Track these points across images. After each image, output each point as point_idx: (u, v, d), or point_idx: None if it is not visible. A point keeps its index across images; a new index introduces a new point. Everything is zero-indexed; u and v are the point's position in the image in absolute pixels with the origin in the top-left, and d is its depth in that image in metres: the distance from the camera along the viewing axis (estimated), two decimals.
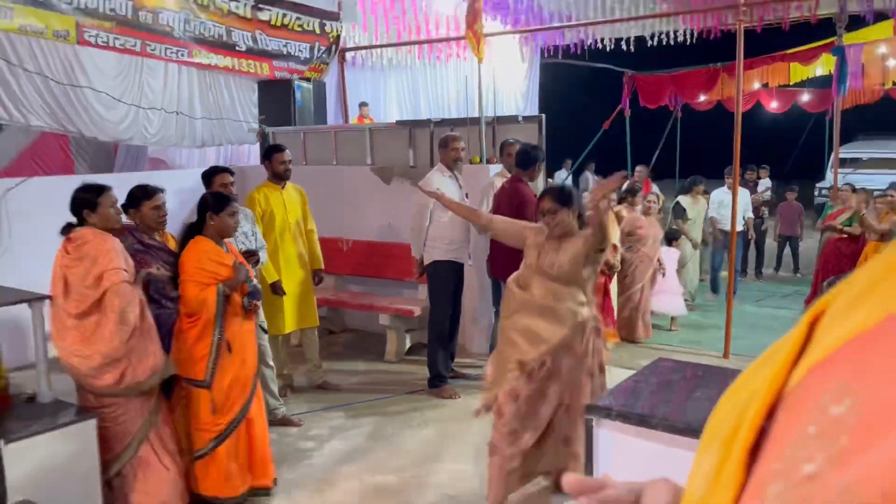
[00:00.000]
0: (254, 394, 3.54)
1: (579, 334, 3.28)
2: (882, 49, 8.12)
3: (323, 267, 4.97)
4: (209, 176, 4.16)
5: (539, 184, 4.89)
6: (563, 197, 3.37)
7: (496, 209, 4.63)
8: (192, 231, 3.50)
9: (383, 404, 4.73)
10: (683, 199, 7.41)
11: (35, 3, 5.32)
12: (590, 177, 11.37)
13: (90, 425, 3.59)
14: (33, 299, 3.81)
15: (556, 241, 3.35)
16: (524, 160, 4.64)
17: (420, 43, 9.24)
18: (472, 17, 5.52)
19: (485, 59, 5.77)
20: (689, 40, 9.73)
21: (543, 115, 5.65)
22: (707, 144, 10.13)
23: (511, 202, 4.56)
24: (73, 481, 3.49)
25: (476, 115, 5.73)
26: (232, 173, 4.18)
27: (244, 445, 3.56)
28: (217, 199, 3.60)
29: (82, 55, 5.64)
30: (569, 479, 0.60)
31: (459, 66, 9.69)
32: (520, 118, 6.10)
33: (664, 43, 9.68)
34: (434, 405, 4.71)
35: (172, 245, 3.75)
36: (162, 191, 3.77)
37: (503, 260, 4.55)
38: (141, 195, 3.62)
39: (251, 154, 7.01)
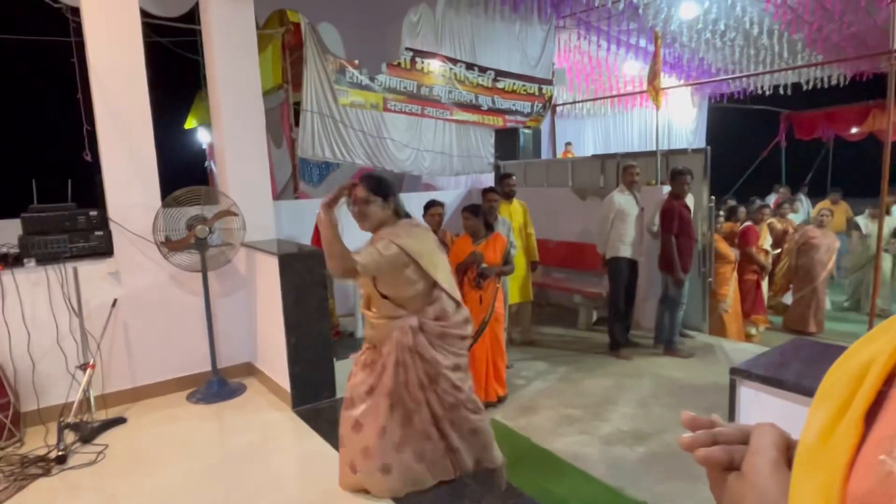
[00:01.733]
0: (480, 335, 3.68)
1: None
2: None
3: (538, 259, 5.08)
4: (427, 207, 4.20)
5: (689, 198, 4.75)
6: (374, 185, 2.42)
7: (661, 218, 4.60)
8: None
9: (574, 359, 4.76)
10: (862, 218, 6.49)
11: (360, 87, 6.06)
12: (803, 198, 9.65)
13: None
14: None
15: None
16: (671, 175, 4.56)
17: (611, 97, 9.07)
18: (653, 75, 5.31)
19: (661, 107, 5.51)
20: (841, 83, 8.42)
21: (709, 147, 5.28)
22: (857, 169, 8.78)
23: (663, 214, 4.68)
24: None
25: (653, 148, 5.48)
26: (441, 205, 4.22)
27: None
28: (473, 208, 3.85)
29: (386, 118, 6.29)
30: (684, 415, 0.52)
31: (641, 113, 9.27)
32: (689, 150, 5.74)
33: (818, 86, 8.46)
34: (612, 363, 4.67)
35: (448, 239, 4.12)
36: (439, 205, 4.15)
37: (665, 258, 4.49)
38: (428, 206, 4.06)
39: (488, 180, 7.33)
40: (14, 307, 3.42)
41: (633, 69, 8.94)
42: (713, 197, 5.22)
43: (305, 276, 3.56)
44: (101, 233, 3.72)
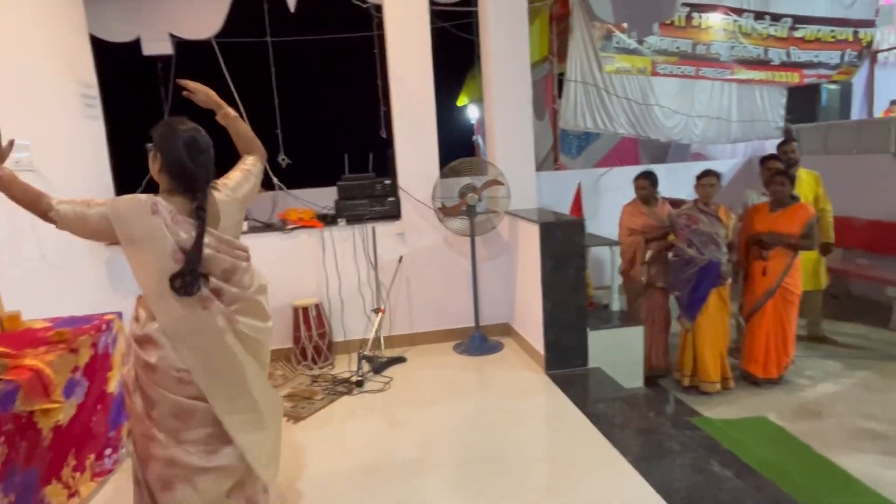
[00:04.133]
0: None
1: None
2: None
3: (832, 241, 4.29)
4: (699, 177, 3.96)
5: None
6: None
7: None
8: None
9: (881, 364, 3.94)
10: None
11: (627, 51, 5.82)
12: None
13: (637, 331, 3.86)
14: (610, 243, 4.23)
15: None
16: None
17: None
18: None
19: None
20: None
21: None
22: None
23: None
24: (622, 362, 3.79)
25: None
26: (715, 174, 3.92)
27: None
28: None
29: (654, 83, 5.95)
30: None
31: None
32: None
33: None
34: None
35: (722, 213, 3.83)
36: (713, 174, 3.89)
37: None
38: (700, 176, 3.86)
39: (770, 147, 6.39)
40: (330, 257, 4.28)
41: None
42: None
43: (565, 244, 3.64)
44: (392, 199, 4.38)
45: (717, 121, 6.32)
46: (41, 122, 3.26)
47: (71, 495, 2.42)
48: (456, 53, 8.16)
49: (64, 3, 3.69)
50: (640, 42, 5.90)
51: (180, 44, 5.36)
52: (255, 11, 5.76)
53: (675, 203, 4.35)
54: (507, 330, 4.55)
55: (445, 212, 4.17)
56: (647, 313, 4.21)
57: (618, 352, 3.80)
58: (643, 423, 3.10)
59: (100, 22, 4.52)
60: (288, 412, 3.38)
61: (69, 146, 3.49)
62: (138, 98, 5.48)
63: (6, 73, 3.02)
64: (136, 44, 5.10)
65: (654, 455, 2.70)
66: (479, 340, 4.28)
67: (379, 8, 4.68)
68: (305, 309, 4.07)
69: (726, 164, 6.50)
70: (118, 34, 4.91)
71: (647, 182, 4.21)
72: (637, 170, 4.65)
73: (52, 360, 2.28)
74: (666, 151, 7.56)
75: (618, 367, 3.70)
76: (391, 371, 3.98)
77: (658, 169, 4.73)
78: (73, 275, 3.53)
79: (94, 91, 3.97)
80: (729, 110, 6.35)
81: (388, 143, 5.05)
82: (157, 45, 5.20)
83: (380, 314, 4.24)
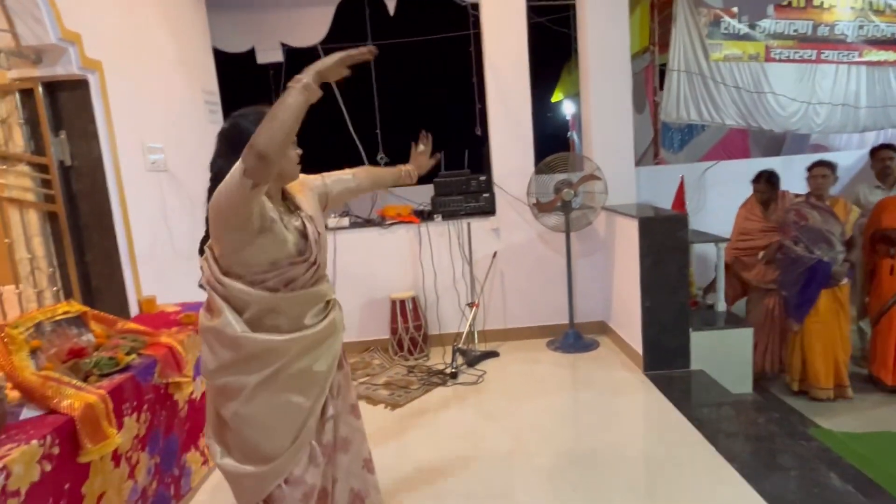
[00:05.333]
0: None
1: None
2: None
3: None
4: (810, 167, 3.89)
5: None
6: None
7: None
8: None
9: None
10: None
11: (737, 37, 5.49)
12: None
13: (746, 333, 3.67)
14: (716, 241, 4.05)
15: None
16: None
17: None
18: None
19: None
20: None
21: None
22: None
23: None
24: (731, 362, 3.63)
25: None
26: (829, 165, 3.82)
27: None
28: None
29: (768, 69, 5.54)
30: None
31: None
32: None
33: None
34: None
35: (840, 208, 3.58)
36: (825, 165, 3.63)
37: None
38: (811, 167, 3.65)
39: None
40: (426, 252, 4.39)
41: None
42: None
43: (665, 240, 3.51)
44: (487, 195, 4.42)
45: (842, 108, 5.76)
46: (174, 128, 3.62)
47: (203, 463, 2.69)
48: (551, 49, 8.07)
49: (193, 21, 4.07)
50: (752, 26, 5.51)
51: (290, 51, 5.73)
52: (357, 17, 6.04)
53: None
54: (602, 328, 4.44)
55: (540, 207, 4.14)
56: (760, 315, 4.00)
57: (724, 354, 3.61)
58: (753, 430, 2.92)
59: (220, 35, 4.94)
60: (385, 400, 3.53)
61: (196, 149, 3.85)
62: (252, 103, 5.94)
63: (150, 84, 3.39)
64: (250, 53, 5.52)
65: (765, 465, 2.54)
66: (573, 337, 4.22)
67: (476, 6, 4.74)
68: (402, 301, 4.22)
69: (853, 155, 5.93)
70: (236, 45, 5.35)
71: (766, 186, 4.00)
72: (748, 163, 4.39)
73: (182, 340, 2.54)
74: (781, 143, 7.03)
75: (723, 371, 3.52)
76: (484, 365, 4.02)
77: (773, 162, 4.43)
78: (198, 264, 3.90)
79: (216, 98, 4.35)
80: (857, 96, 5.77)
81: (482, 141, 5.10)
82: (269, 54, 5.60)
83: (474, 308, 4.30)
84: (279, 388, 1.59)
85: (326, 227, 2.13)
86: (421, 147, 2.18)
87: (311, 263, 1.62)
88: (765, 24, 5.51)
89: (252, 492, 1.64)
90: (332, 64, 1.38)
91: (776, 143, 7.08)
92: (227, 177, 1.41)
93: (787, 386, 3.93)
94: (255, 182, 1.38)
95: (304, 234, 1.64)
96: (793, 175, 5.07)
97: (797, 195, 4.07)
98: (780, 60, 5.59)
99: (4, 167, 2.65)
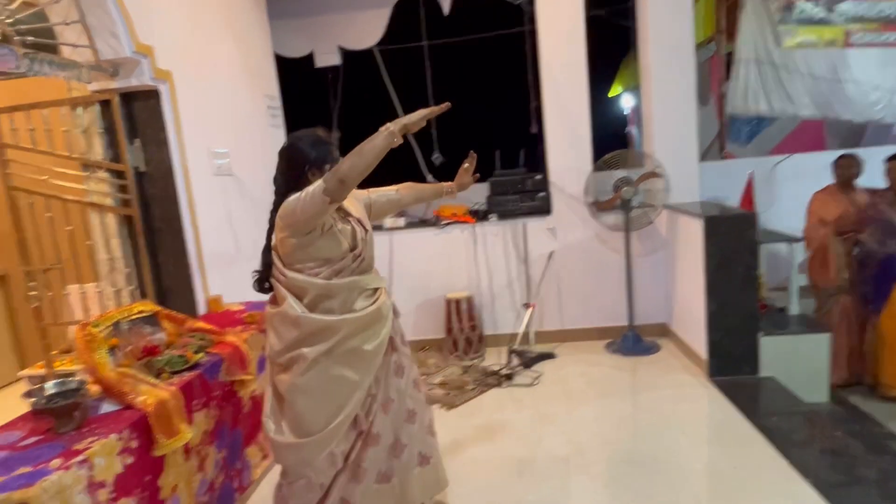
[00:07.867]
0: None
1: None
2: None
3: None
4: (889, 159, 3.78)
5: None
6: None
7: None
8: None
9: None
10: None
11: (812, 23, 5.16)
12: None
13: (822, 338, 3.49)
14: (789, 240, 3.87)
15: None
16: None
17: None
18: None
19: None
20: None
21: None
22: None
23: None
24: (805, 369, 3.45)
25: None
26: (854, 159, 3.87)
27: None
28: None
29: (847, 55, 5.19)
30: None
31: None
32: None
33: None
34: None
35: None
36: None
37: None
38: (890, 158, 3.45)
39: None
40: (481, 252, 4.39)
41: None
42: None
43: (732, 240, 3.35)
44: (542, 194, 4.36)
45: None
46: (238, 133, 3.77)
47: (263, 457, 2.79)
48: (609, 42, 7.86)
49: (255, 29, 4.22)
50: (830, 10, 5.18)
51: (347, 54, 5.85)
52: (412, 18, 6.09)
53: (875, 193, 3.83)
54: (663, 331, 4.30)
55: (599, 206, 4.05)
56: (838, 318, 3.78)
57: (797, 361, 3.42)
58: (829, 442, 2.76)
59: (281, 41, 5.10)
60: (441, 399, 3.55)
61: (259, 152, 4.00)
62: (311, 106, 6.10)
63: (216, 91, 3.54)
64: (309, 58, 5.66)
65: (843, 481, 2.38)
66: (632, 340, 4.11)
67: (532, 2, 4.68)
68: (458, 301, 4.23)
69: None
70: (295, 50, 5.50)
71: (853, 161, 3.81)
72: (824, 156, 4.14)
73: (247, 338, 2.65)
74: (861, 134, 6.57)
75: (796, 379, 3.34)
76: (540, 366, 3.97)
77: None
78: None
79: (277, 102, 4.49)
80: None
81: (538, 139, 5.03)
82: (327, 58, 5.72)
83: (530, 309, 4.25)
84: (333, 361, 1.88)
85: (382, 227, 2.46)
86: (465, 165, 2.30)
87: (356, 255, 1.93)
88: (844, 7, 5.16)
89: (294, 468, 1.94)
90: (417, 119, 1.78)
91: (855, 134, 6.63)
92: (304, 193, 1.75)
93: (873, 392, 3.70)
94: (332, 199, 1.70)
95: (353, 235, 1.96)
96: (875, 166, 4.74)
97: (868, 190, 3.83)
98: (862, 45, 5.23)
99: (87, 174, 2.85)
